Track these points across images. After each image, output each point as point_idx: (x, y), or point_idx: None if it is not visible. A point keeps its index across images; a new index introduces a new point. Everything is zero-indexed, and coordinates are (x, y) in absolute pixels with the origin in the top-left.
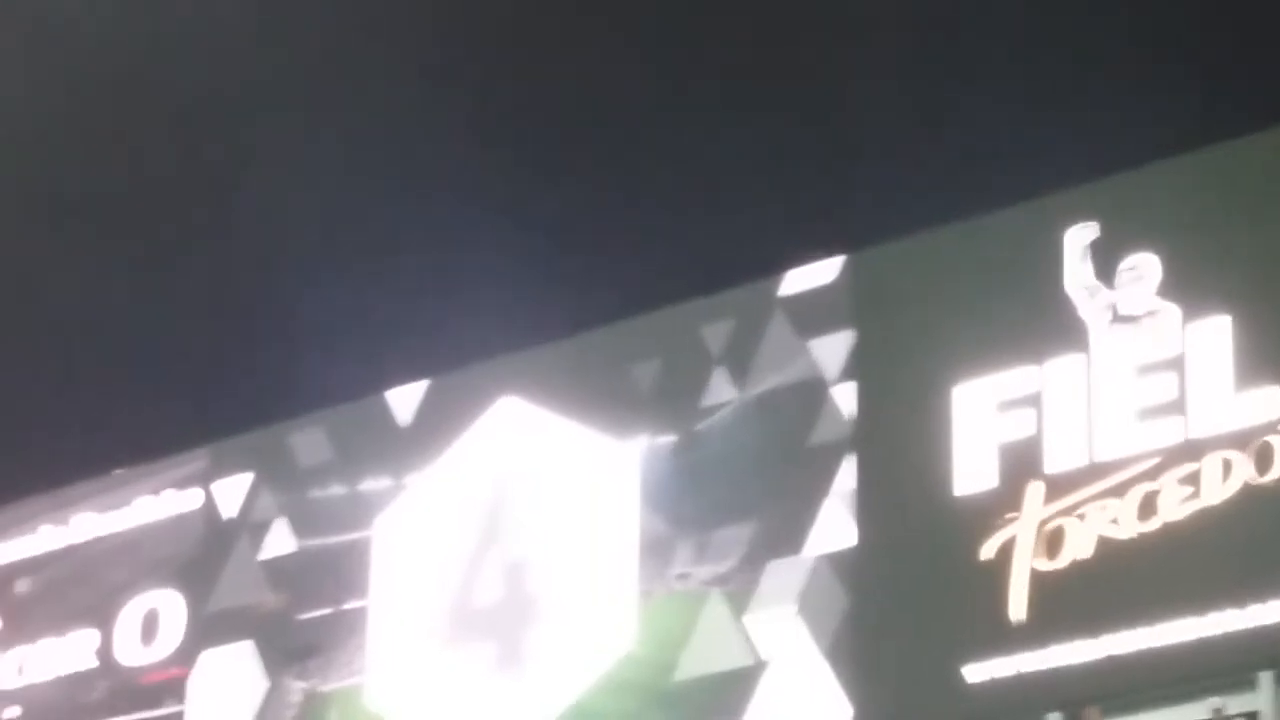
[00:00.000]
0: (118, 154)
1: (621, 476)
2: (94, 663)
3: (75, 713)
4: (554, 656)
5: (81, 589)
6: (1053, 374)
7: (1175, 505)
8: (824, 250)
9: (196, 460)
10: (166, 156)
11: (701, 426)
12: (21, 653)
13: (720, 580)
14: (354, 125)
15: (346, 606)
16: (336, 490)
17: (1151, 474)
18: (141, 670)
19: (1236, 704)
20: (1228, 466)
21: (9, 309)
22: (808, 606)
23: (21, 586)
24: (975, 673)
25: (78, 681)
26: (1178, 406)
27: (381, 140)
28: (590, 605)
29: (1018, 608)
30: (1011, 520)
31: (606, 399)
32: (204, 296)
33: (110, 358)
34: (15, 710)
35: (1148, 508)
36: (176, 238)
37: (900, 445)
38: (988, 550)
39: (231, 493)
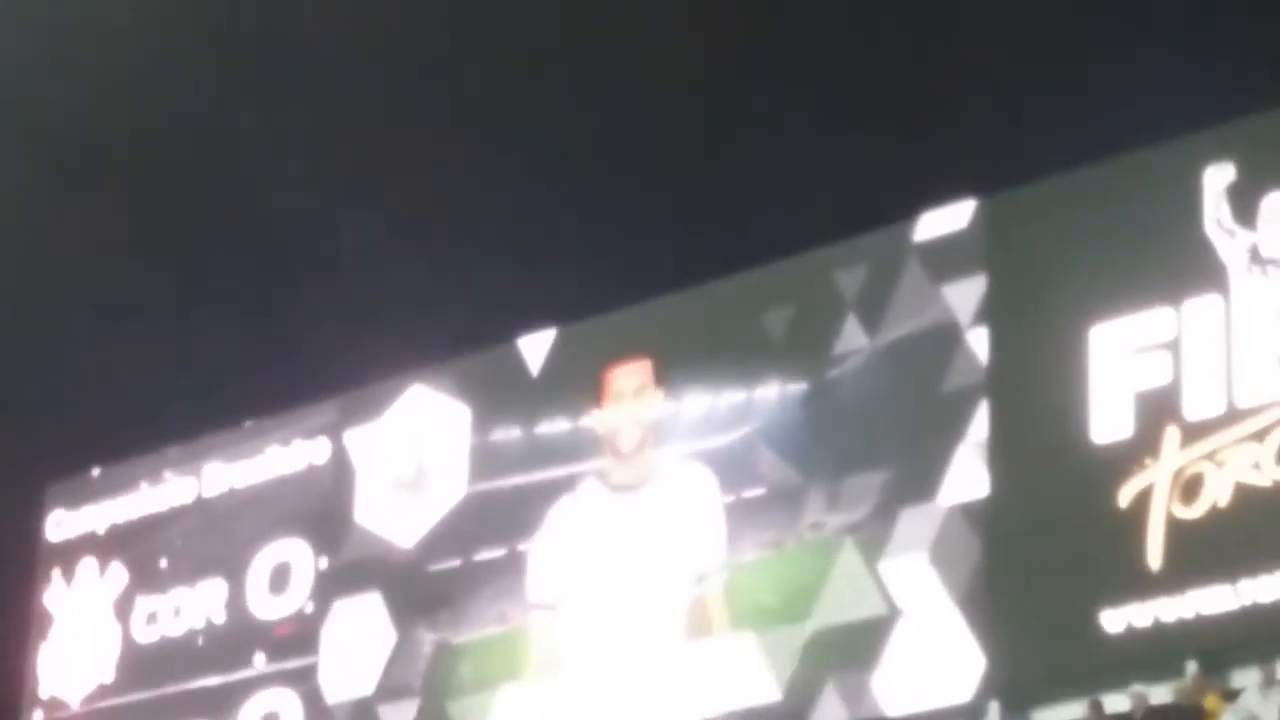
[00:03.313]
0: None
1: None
2: (224, 614)
3: (205, 664)
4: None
5: (212, 540)
6: (1190, 317)
7: None
8: (957, 194)
9: (326, 411)
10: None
11: (834, 374)
12: (152, 603)
13: (853, 529)
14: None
15: (477, 558)
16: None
17: None
18: (272, 621)
19: None
20: None
21: (138, 264)
22: (941, 555)
23: (152, 538)
24: (1112, 621)
25: (208, 632)
26: None
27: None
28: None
29: (1155, 555)
30: (1149, 467)
31: (738, 347)
32: (333, 250)
33: (241, 311)
34: (148, 660)
35: None
36: (308, 201)
37: (1035, 391)
38: (1124, 497)
39: (362, 443)
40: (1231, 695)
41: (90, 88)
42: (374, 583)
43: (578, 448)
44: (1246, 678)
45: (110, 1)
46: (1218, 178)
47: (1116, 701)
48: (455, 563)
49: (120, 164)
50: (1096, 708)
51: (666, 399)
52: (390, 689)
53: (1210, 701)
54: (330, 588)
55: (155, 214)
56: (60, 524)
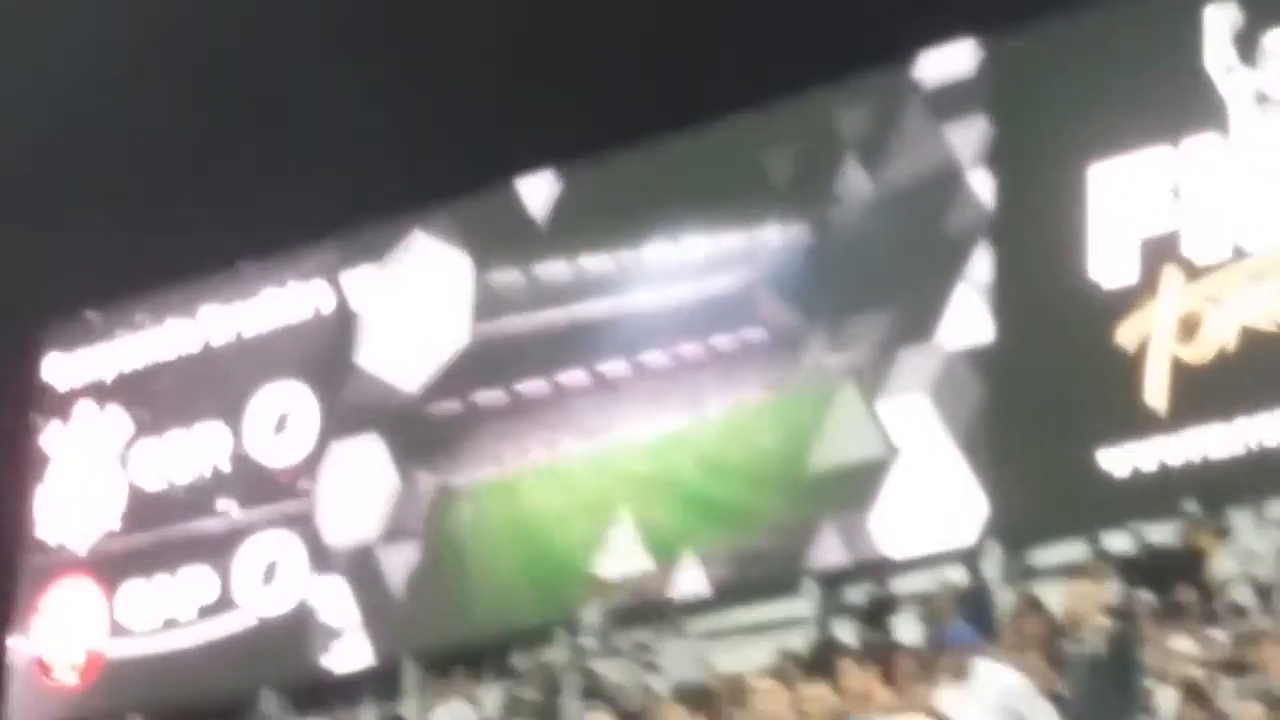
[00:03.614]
0: None
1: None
2: (224, 457)
3: (205, 507)
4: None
5: (211, 384)
6: (1191, 155)
7: None
8: (958, 34)
9: (324, 253)
10: None
11: (834, 215)
12: (151, 446)
13: (853, 370)
14: None
15: (477, 401)
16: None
17: None
18: (272, 464)
19: None
20: None
21: (142, 102)
22: (941, 396)
23: (150, 382)
24: (1112, 462)
25: (208, 476)
26: None
27: None
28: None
29: (1156, 396)
30: (1150, 307)
31: (738, 188)
32: (328, 89)
33: (237, 152)
34: (146, 504)
35: None
36: (303, 42)
37: (1037, 233)
38: (1125, 338)
39: (360, 286)
40: (1224, 534)
41: None
42: (374, 425)
43: (580, 292)
44: (1243, 518)
45: None
46: (1219, 16)
47: (1116, 541)
48: (455, 406)
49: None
50: (1098, 546)
51: (666, 242)
52: (391, 532)
53: (1204, 540)
54: (330, 430)
55: (153, 52)
56: (56, 366)
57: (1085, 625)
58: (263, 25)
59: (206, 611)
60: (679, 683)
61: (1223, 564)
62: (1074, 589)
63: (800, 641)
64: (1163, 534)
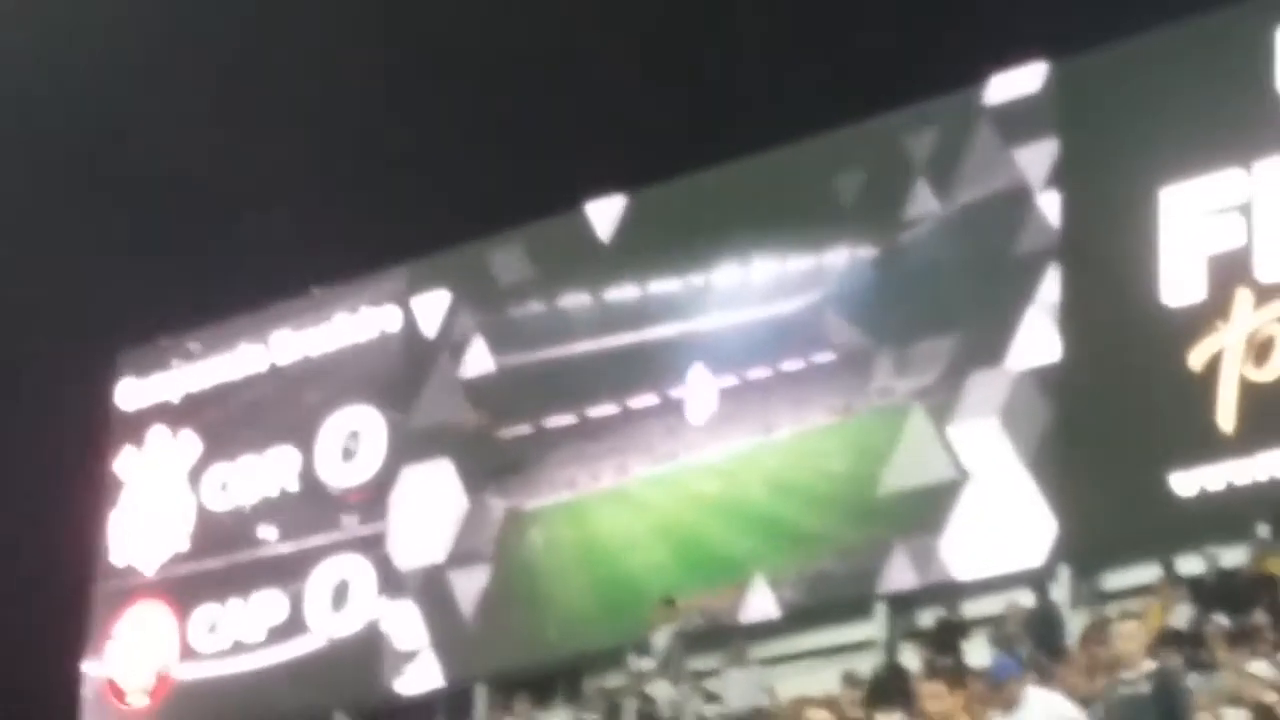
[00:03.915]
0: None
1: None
2: (295, 481)
3: (277, 531)
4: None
5: (282, 408)
6: (1262, 178)
7: None
8: (1028, 57)
9: (394, 278)
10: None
11: (904, 238)
12: (223, 471)
13: (922, 393)
14: None
15: (547, 425)
16: (536, 307)
17: None
18: (344, 488)
19: None
20: None
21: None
22: (1011, 419)
23: (222, 406)
24: (1183, 484)
25: (280, 499)
26: None
27: None
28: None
29: (1227, 418)
30: (1220, 329)
31: (808, 212)
32: (398, 114)
33: (308, 178)
34: (219, 528)
35: None
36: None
37: (1107, 255)
38: (1196, 360)
39: (430, 310)
40: None
41: None
42: (445, 449)
43: (649, 315)
44: None
45: None
46: None
47: (1189, 564)
48: (525, 429)
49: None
50: (1171, 569)
51: (736, 264)
52: (462, 555)
53: (1273, 564)
54: (401, 454)
55: (231, 84)
56: (131, 391)
57: (1132, 665)
58: (335, 52)
59: (277, 634)
60: (736, 710)
61: None
62: (1121, 629)
63: (867, 665)
64: (1235, 557)
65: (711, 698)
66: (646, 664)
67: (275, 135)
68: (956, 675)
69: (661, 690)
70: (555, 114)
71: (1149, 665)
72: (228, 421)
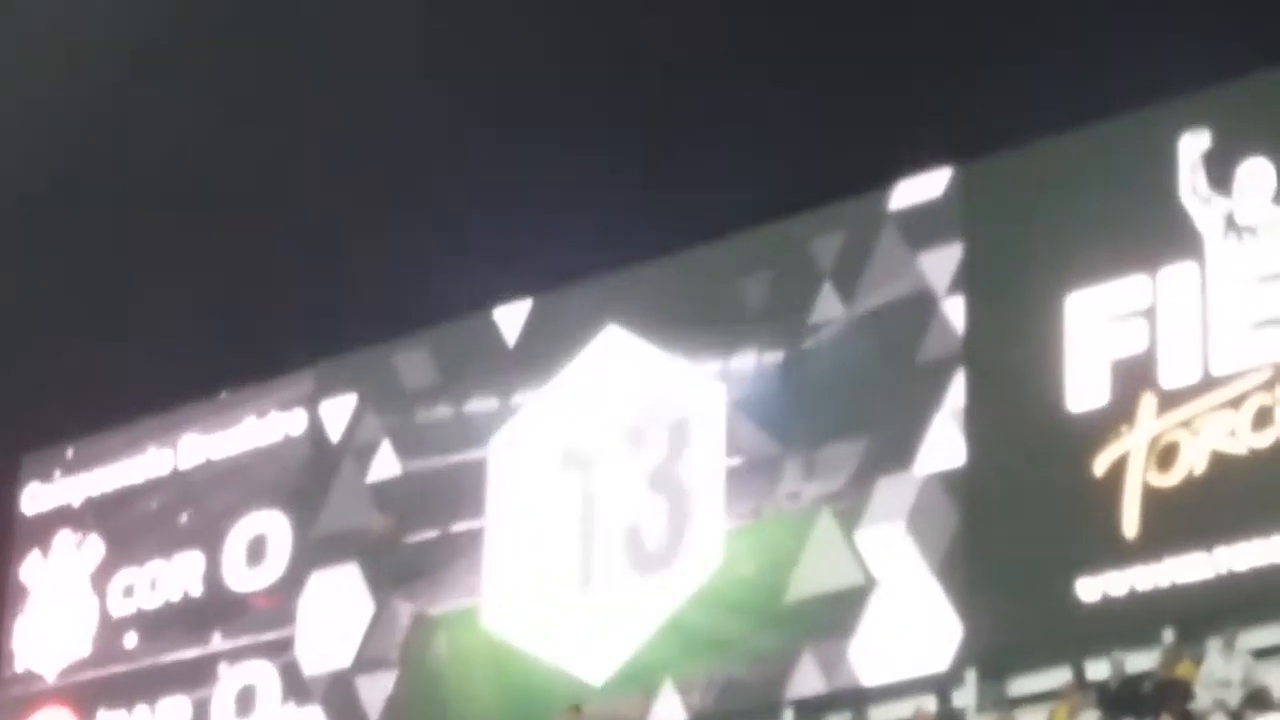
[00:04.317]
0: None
1: (708, 409)
2: (200, 586)
3: (182, 636)
4: (665, 572)
5: (188, 513)
6: (1166, 284)
7: None
8: (934, 162)
9: (302, 382)
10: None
11: (810, 343)
12: (129, 575)
13: (830, 498)
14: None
15: (455, 529)
16: (443, 411)
17: (1268, 386)
18: (249, 593)
19: None
20: None
21: (113, 234)
22: (918, 524)
23: (128, 511)
24: (1089, 589)
25: (185, 605)
26: None
27: (479, 71)
28: (680, 532)
29: (1131, 524)
30: (1125, 435)
31: (715, 315)
32: (306, 219)
33: (214, 282)
34: (124, 633)
35: (1263, 420)
36: (279, 159)
37: (1011, 359)
38: (1100, 466)
39: (337, 414)
40: (1200, 662)
41: None
42: (351, 554)
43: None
44: (1215, 646)
45: None
46: (1193, 145)
47: (1096, 669)
48: (432, 534)
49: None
50: (1079, 674)
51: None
52: (368, 661)
53: (1184, 669)
54: (307, 559)
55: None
56: (36, 497)
57: None
58: (237, 152)
59: None
60: None
61: (1199, 693)
62: None
63: None
64: (1141, 661)
65: None
66: None
67: (182, 235)
68: None
69: None
70: (460, 222)
71: None
72: (133, 526)
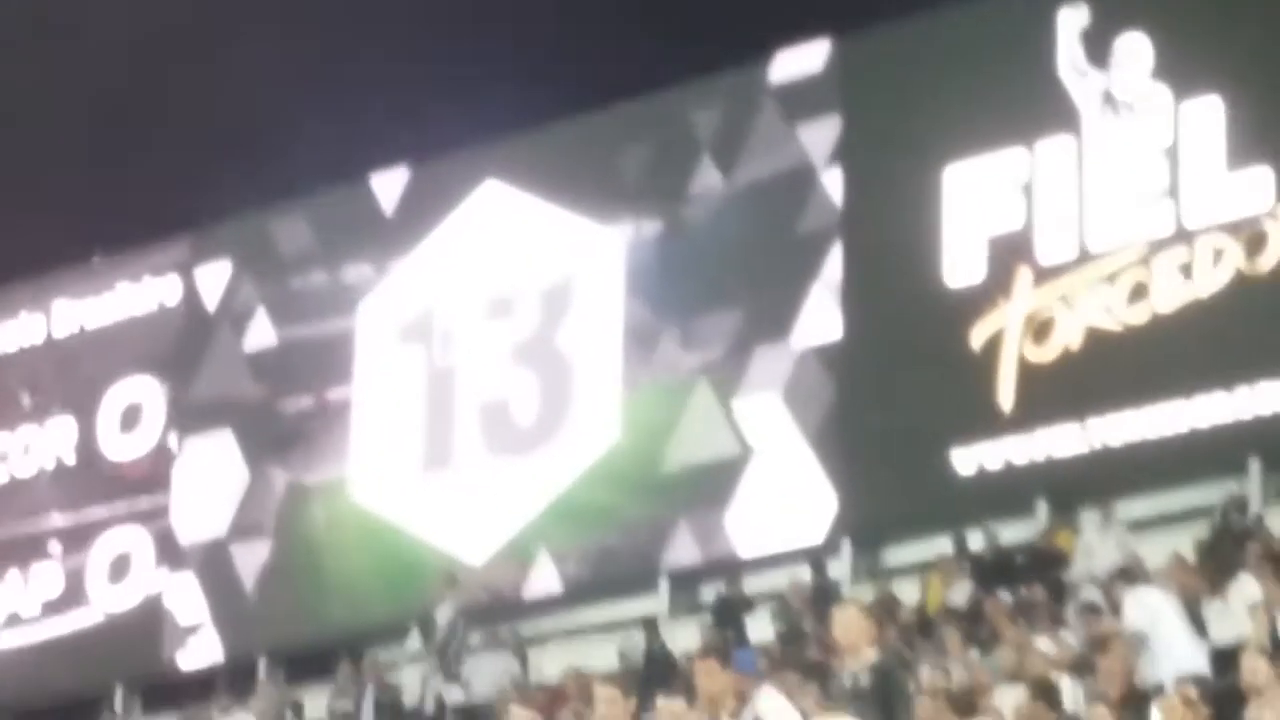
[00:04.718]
0: None
1: (606, 264)
2: (74, 453)
3: (55, 503)
4: (542, 449)
5: (61, 379)
6: (1043, 158)
7: (1166, 294)
8: (812, 34)
9: (177, 247)
10: None
11: (688, 213)
12: (1, 442)
13: (707, 368)
14: None
15: (330, 397)
16: (318, 279)
17: (1142, 262)
18: (123, 460)
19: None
20: (1218, 254)
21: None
22: (794, 394)
23: (1, 376)
24: (964, 461)
25: (58, 471)
26: (1170, 192)
27: None
28: (575, 397)
29: (1006, 396)
30: (1001, 308)
31: (592, 185)
32: (183, 81)
33: (91, 143)
34: None
35: (1138, 296)
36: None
37: (889, 233)
38: (976, 339)
39: (212, 281)
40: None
41: None
42: (226, 421)
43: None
44: (1090, 518)
45: None
46: (1072, 18)
47: (971, 541)
48: (306, 402)
49: None
50: (961, 545)
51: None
52: (243, 528)
53: (1063, 540)
54: (182, 426)
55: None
56: None
57: (853, 656)
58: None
59: (54, 608)
60: (481, 695)
61: (1075, 564)
62: (840, 617)
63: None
64: (1014, 533)
65: (455, 679)
66: (422, 642)
67: (62, 96)
68: (729, 654)
69: (408, 676)
70: (339, 89)
71: (870, 655)
72: (4, 392)
